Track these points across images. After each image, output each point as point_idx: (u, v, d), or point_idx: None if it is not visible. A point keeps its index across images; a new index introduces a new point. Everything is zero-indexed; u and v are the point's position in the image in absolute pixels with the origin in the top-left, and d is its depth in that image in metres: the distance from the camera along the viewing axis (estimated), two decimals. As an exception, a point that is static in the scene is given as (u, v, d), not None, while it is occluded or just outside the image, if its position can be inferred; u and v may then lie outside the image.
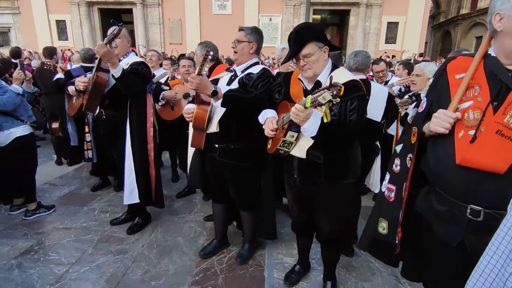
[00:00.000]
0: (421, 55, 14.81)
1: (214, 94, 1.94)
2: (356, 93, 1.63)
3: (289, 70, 3.08)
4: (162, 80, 3.88)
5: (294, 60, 1.75)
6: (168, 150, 4.38)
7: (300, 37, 1.66)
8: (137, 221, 3.01)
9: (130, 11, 17.95)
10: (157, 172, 2.89)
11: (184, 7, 17.34)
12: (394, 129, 2.93)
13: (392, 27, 17.38)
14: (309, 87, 1.76)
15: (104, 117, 2.77)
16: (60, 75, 4.28)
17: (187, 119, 2.17)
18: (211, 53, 1.85)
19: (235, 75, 2.21)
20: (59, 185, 4.10)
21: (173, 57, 13.15)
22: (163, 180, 4.33)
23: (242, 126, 2.15)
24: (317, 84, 1.69)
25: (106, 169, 3.77)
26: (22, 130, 3.00)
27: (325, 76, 1.69)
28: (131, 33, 18.74)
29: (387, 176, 1.49)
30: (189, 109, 2.16)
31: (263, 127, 1.84)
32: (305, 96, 1.50)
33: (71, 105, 3.62)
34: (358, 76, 2.55)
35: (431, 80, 1.40)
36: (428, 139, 1.30)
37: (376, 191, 2.61)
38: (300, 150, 1.77)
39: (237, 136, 2.18)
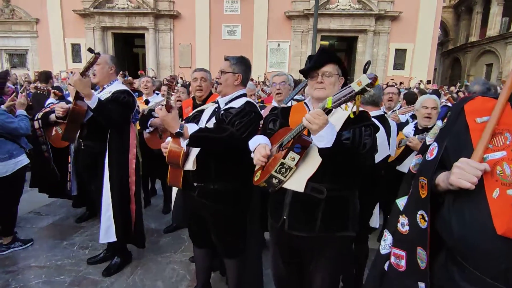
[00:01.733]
0: (429, 82, 14.63)
1: (179, 135, 1.77)
2: (370, 121, 1.53)
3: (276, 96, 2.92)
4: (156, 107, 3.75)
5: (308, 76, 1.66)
6: (160, 180, 4.18)
7: (325, 55, 1.62)
8: (115, 261, 2.75)
9: (142, 36, 18.44)
10: (138, 208, 2.67)
11: (194, 32, 17.77)
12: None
13: (400, 53, 17.42)
14: None
15: (82, 147, 2.62)
16: (52, 99, 4.20)
17: (163, 153, 1.97)
18: (179, 81, 1.65)
19: (219, 108, 2.04)
20: (43, 214, 3.91)
21: (183, 81, 13.72)
22: (154, 211, 4.20)
23: (222, 164, 1.94)
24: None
25: (87, 201, 3.57)
26: (25, 158, 2.97)
27: None
28: (143, 57, 19.96)
29: (388, 237, 1.23)
30: (167, 142, 1.96)
31: (252, 154, 1.63)
32: None
33: (55, 133, 3.46)
34: (376, 112, 2.38)
35: (439, 123, 1.18)
36: (443, 193, 1.06)
37: (377, 226, 2.35)
38: (297, 181, 1.53)
39: (217, 175, 1.95)
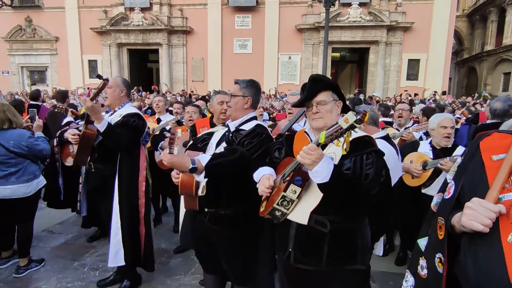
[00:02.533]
0: (444, 93, 14.31)
1: (193, 171, 1.69)
2: (371, 147, 1.47)
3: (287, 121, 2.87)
4: (167, 127, 3.77)
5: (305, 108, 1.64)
6: (171, 198, 4.17)
7: (316, 83, 1.58)
8: (124, 285, 2.72)
9: (156, 51, 18.92)
10: (148, 230, 2.65)
11: (207, 47, 18.09)
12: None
13: (413, 64, 17.14)
14: None
15: (93, 170, 2.64)
16: (69, 118, 4.28)
17: (174, 183, 1.94)
18: (179, 132, 1.61)
19: (229, 131, 2.02)
20: (56, 232, 3.94)
21: (194, 94, 13.81)
22: (165, 229, 4.18)
23: (233, 189, 1.90)
24: None
25: (97, 221, 3.58)
26: (43, 178, 3.06)
27: None
28: (157, 72, 20.29)
29: (410, 279, 1.16)
30: (176, 173, 1.92)
31: (257, 185, 1.61)
32: None
33: (67, 152, 3.51)
34: (378, 134, 2.30)
35: (459, 160, 1.13)
36: (461, 235, 1.00)
37: (380, 254, 2.24)
38: (301, 213, 1.49)
39: (228, 200, 1.92)
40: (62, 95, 4.79)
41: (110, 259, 2.53)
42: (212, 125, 2.79)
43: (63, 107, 4.67)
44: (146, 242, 2.63)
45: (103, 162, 2.55)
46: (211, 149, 2.04)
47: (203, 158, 1.75)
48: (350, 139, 1.22)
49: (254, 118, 2.04)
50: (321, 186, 1.37)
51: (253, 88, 2.01)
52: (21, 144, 2.80)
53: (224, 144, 1.95)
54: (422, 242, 1.13)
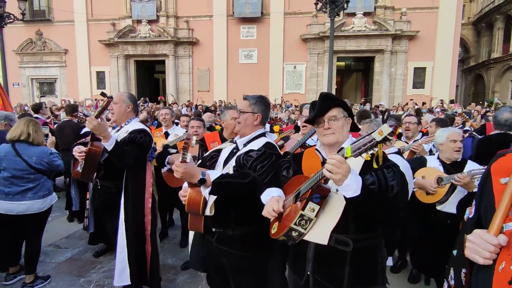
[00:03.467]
0: (452, 101, 14.15)
1: (202, 182, 1.69)
2: (389, 162, 1.46)
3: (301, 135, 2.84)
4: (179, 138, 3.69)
5: (315, 124, 1.63)
6: (179, 209, 4.11)
7: (328, 100, 1.59)
8: (130, 303, 2.67)
9: (163, 62, 19.17)
10: (154, 248, 2.62)
11: (212, 57, 18.28)
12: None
13: (419, 72, 17.04)
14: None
15: (99, 187, 2.64)
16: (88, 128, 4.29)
17: (182, 202, 1.91)
18: (194, 138, 1.62)
19: (237, 148, 2.00)
20: (63, 247, 3.93)
21: (200, 106, 13.58)
22: (171, 244, 4.12)
23: (242, 208, 1.87)
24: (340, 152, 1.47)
25: (104, 238, 3.54)
26: (55, 194, 3.12)
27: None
28: (163, 82, 20.50)
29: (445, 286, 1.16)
30: (185, 188, 1.91)
31: (265, 207, 1.58)
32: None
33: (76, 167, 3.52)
34: (390, 150, 2.25)
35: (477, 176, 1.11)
36: None
37: (391, 264, 2.18)
38: (320, 232, 1.44)
39: (237, 220, 1.89)
40: (71, 109, 4.85)
41: (116, 278, 2.50)
42: (223, 139, 2.77)
43: (83, 117, 4.73)
44: (152, 260, 2.60)
45: (109, 179, 2.55)
46: (219, 167, 2.01)
47: (213, 174, 1.74)
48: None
49: (263, 134, 2.02)
50: (351, 201, 1.31)
51: (262, 104, 2.00)
52: (43, 160, 2.88)
53: (232, 162, 1.92)
54: (455, 253, 1.13)
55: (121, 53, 18.74)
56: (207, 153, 2.25)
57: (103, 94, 2.36)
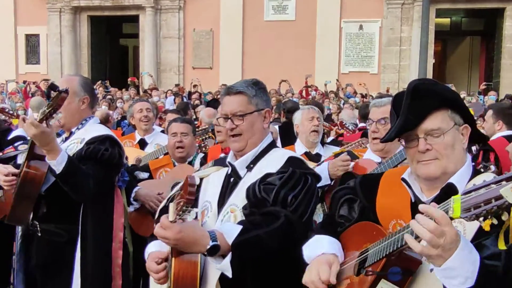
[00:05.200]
0: None
1: (213, 252, 1.17)
2: None
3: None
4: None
5: (400, 140, 1.17)
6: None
7: (423, 100, 1.09)
8: None
9: (135, 20, 14.47)
10: None
11: (219, 12, 13.58)
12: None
13: None
14: (424, 197, 1.12)
15: (39, 234, 2.05)
16: (20, 131, 3.17)
17: (156, 282, 1.40)
18: (197, 180, 1.32)
19: (236, 175, 1.49)
20: None
21: (195, 93, 10.05)
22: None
23: (263, 273, 1.38)
24: (446, 191, 1.04)
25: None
26: None
27: (465, 178, 1.08)
28: (135, 53, 16.17)
29: None
30: (157, 254, 1.38)
31: (307, 271, 1.14)
32: (414, 213, 0.95)
33: None
34: None
35: None
36: None
37: None
38: None
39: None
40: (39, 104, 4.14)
41: None
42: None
43: (11, 112, 4.08)
44: None
45: (57, 221, 2.05)
46: (210, 211, 1.49)
47: (227, 230, 1.26)
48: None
49: (273, 144, 1.59)
50: None
51: (264, 92, 1.59)
52: None
53: (234, 200, 1.46)
54: None
55: (66, 4, 14.19)
56: (171, 192, 1.69)
57: (52, 87, 1.80)
